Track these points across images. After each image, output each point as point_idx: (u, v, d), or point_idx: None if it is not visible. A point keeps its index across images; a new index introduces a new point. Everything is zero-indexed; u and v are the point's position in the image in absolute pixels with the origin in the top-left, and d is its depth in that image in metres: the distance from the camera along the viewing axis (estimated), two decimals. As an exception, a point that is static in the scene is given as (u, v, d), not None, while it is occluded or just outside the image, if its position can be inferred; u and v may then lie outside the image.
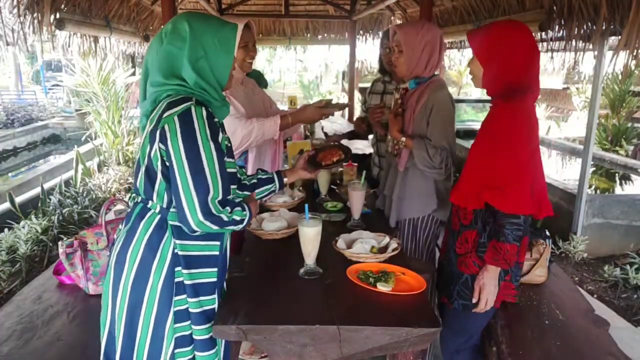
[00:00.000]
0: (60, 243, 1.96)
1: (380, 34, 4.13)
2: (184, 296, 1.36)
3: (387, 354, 1.51)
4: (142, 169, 1.35)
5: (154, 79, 1.33)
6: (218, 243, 1.43)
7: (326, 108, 2.25)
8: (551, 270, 2.23)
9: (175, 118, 1.26)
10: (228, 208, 1.31)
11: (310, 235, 1.57)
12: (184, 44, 1.31)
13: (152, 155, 1.30)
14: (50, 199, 4.33)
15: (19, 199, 4.33)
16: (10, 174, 8.21)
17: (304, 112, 2.22)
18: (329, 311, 1.39)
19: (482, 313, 1.70)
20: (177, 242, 1.34)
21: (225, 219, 1.30)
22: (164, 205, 1.35)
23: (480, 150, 1.66)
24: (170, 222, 1.35)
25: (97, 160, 6.26)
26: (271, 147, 2.36)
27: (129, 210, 1.43)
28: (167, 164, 1.28)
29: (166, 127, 1.26)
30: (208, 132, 1.29)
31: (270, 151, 2.36)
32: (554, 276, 2.24)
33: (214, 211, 1.26)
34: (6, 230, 3.71)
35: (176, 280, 1.35)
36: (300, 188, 2.51)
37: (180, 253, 1.34)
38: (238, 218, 1.35)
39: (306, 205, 1.63)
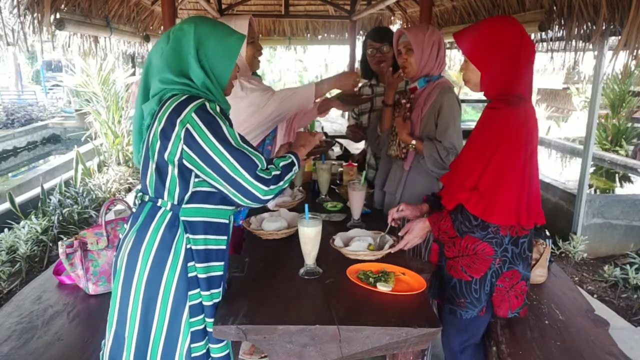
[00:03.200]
0: (60, 243, 1.96)
1: (364, 36, 4.05)
2: (197, 290, 1.39)
3: (387, 354, 1.51)
4: (152, 166, 1.35)
5: (164, 76, 1.35)
6: (225, 237, 1.46)
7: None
8: (551, 270, 2.24)
9: (194, 115, 1.28)
10: (271, 165, 1.38)
11: (310, 235, 1.57)
12: (189, 45, 1.34)
13: (165, 154, 1.31)
14: (50, 199, 4.33)
15: (19, 199, 4.33)
16: (10, 174, 8.22)
17: (339, 78, 2.21)
18: (329, 311, 1.39)
19: (479, 316, 1.69)
20: (191, 237, 1.37)
21: (278, 172, 1.37)
22: (175, 202, 1.36)
23: (470, 152, 1.63)
24: (182, 218, 1.36)
25: (97, 160, 6.27)
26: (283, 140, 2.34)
27: (136, 209, 1.43)
28: (198, 161, 1.29)
29: (189, 127, 1.28)
30: (226, 121, 1.35)
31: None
32: (554, 276, 2.24)
33: (266, 177, 1.33)
34: (6, 230, 3.71)
35: (189, 275, 1.37)
36: (300, 188, 2.51)
37: (194, 248, 1.37)
38: (285, 162, 1.42)
39: (306, 205, 1.64)
